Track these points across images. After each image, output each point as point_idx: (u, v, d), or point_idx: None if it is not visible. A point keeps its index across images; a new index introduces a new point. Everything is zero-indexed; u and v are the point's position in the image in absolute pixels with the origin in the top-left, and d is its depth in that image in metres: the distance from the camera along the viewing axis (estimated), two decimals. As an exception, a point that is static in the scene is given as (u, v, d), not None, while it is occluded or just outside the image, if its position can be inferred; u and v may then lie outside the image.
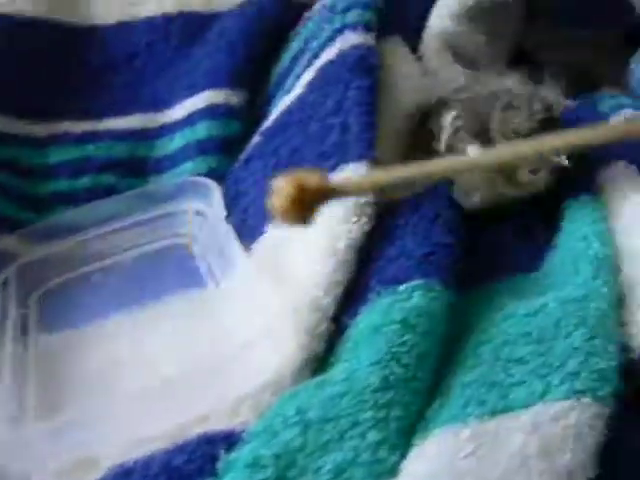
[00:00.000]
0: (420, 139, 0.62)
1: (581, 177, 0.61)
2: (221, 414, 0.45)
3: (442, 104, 0.61)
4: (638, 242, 0.52)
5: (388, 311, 0.46)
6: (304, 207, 0.31)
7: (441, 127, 0.59)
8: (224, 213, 0.61)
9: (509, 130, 0.55)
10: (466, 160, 0.45)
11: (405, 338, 0.45)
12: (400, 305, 0.47)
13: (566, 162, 0.52)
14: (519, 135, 0.54)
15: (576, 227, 0.56)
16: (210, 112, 0.69)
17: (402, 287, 0.48)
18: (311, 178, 0.30)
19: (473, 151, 0.55)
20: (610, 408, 0.41)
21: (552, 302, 0.49)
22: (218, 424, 0.44)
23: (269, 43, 0.74)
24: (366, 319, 0.47)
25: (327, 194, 0.31)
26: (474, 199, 0.58)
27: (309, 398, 0.43)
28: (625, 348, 0.47)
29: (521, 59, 0.81)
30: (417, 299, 0.47)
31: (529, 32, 0.80)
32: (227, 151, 0.68)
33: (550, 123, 0.53)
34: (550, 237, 0.59)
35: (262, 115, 0.68)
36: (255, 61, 0.73)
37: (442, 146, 0.59)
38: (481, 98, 0.59)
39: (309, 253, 0.51)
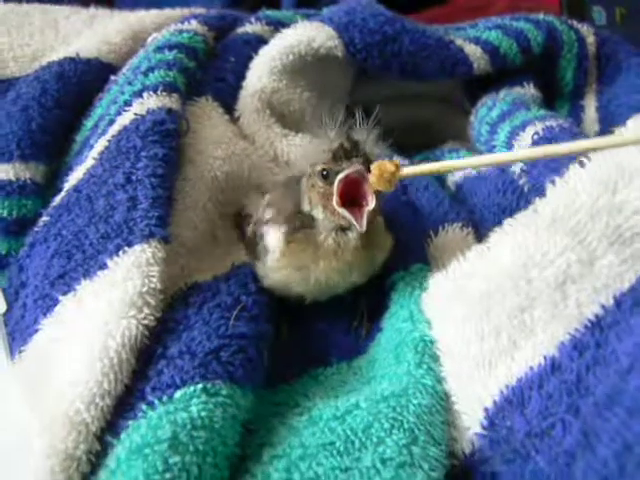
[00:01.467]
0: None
1: (413, 244, 0.55)
2: None
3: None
4: (447, 324, 0.46)
5: (156, 427, 0.38)
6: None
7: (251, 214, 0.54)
8: (4, 308, 0.52)
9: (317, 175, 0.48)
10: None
11: (172, 461, 0.37)
12: (172, 418, 0.39)
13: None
14: (331, 173, 0.47)
15: (402, 304, 0.50)
16: (-1, 190, 0.60)
17: (178, 394, 0.40)
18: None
19: (272, 240, 0.49)
20: None
21: (364, 401, 0.42)
22: None
23: (71, 109, 0.66)
24: (131, 438, 0.38)
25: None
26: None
27: None
28: (448, 453, 0.41)
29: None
30: (195, 408, 0.39)
31: (364, 87, 0.75)
32: (20, 233, 0.59)
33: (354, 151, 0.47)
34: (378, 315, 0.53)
35: (60, 190, 0.59)
36: (53, 130, 0.64)
37: (249, 231, 0.53)
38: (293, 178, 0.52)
39: (79, 355, 0.43)
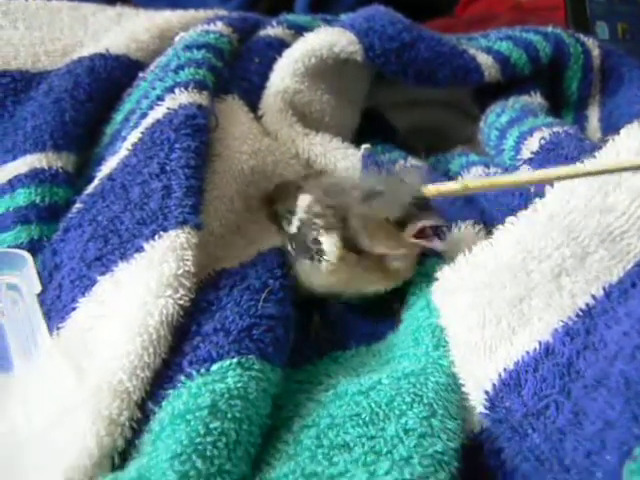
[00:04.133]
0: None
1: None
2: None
3: (293, 186, 0.58)
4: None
5: (196, 395, 0.41)
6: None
7: (294, 211, 0.56)
8: (38, 289, 0.55)
9: (374, 218, 0.51)
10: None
11: (212, 426, 0.40)
12: (210, 388, 0.42)
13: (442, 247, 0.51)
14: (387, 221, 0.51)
15: (419, 295, 0.54)
16: (32, 177, 0.63)
17: (215, 367, 0.43)
18: None
19: (328, 244, 0.51)
20: None
21: (386, 378, 0.45)
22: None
23: (101, 103, 0.69)
24: (172, 405, 0.42)
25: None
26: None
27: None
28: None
29: (374, 119, 0.80)
30: (231, 380, 0.42)
31: (380, 93, 0.78)
32: (51, 219, 0.61)
33: (421, 203, 0.50)
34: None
35: (91, 179, 0.62)
36: (84, 122, 0.67)
37: (293, 228, 0.55)
38: (333, 186, 0.55)
39: (119, 331, 0.46)
